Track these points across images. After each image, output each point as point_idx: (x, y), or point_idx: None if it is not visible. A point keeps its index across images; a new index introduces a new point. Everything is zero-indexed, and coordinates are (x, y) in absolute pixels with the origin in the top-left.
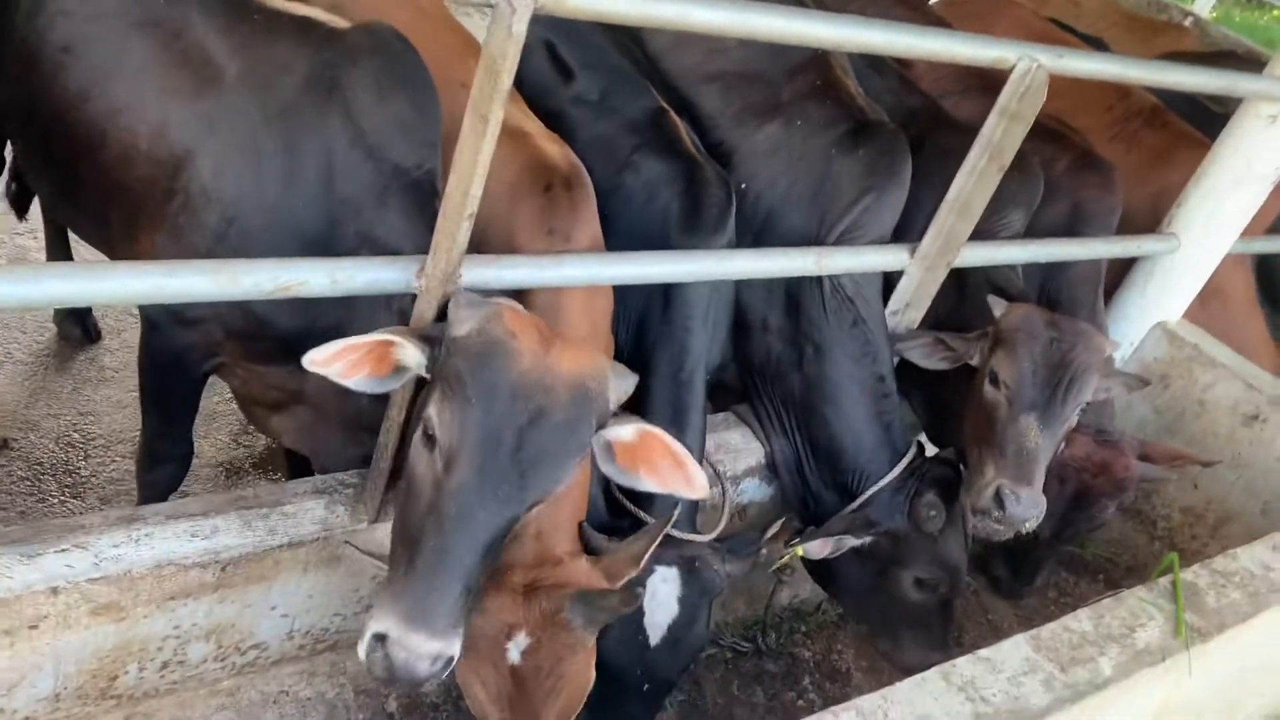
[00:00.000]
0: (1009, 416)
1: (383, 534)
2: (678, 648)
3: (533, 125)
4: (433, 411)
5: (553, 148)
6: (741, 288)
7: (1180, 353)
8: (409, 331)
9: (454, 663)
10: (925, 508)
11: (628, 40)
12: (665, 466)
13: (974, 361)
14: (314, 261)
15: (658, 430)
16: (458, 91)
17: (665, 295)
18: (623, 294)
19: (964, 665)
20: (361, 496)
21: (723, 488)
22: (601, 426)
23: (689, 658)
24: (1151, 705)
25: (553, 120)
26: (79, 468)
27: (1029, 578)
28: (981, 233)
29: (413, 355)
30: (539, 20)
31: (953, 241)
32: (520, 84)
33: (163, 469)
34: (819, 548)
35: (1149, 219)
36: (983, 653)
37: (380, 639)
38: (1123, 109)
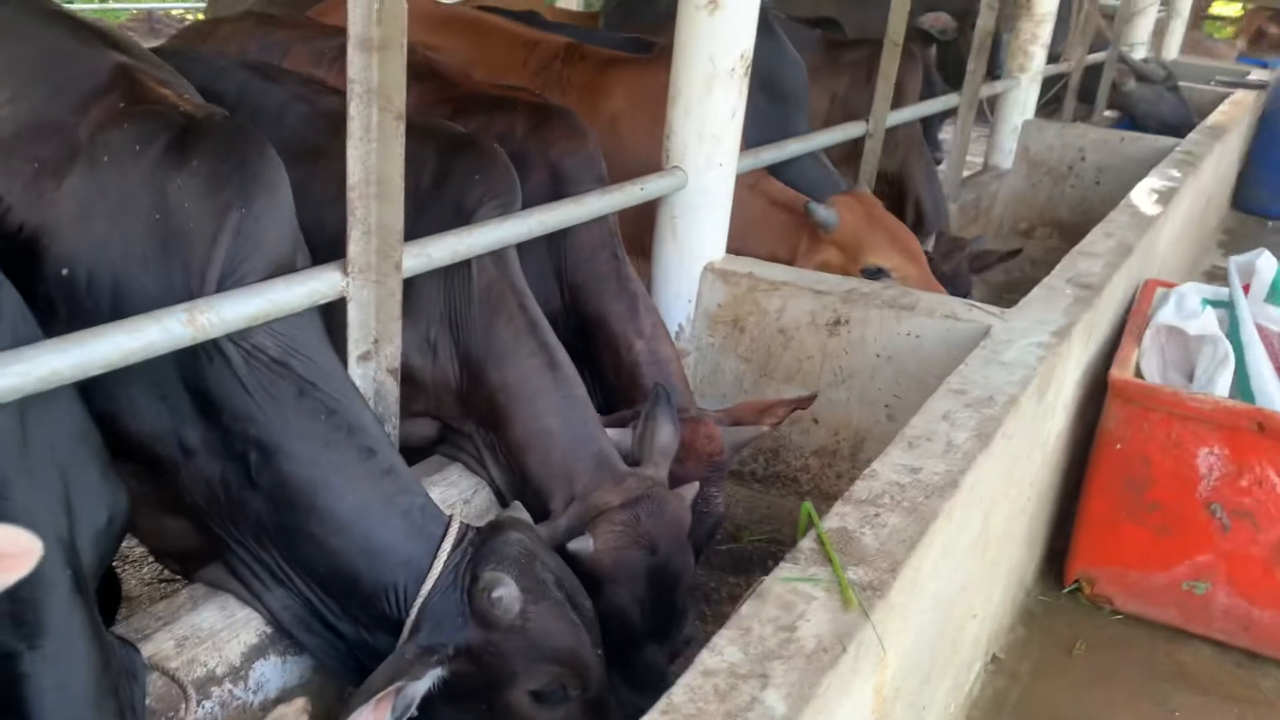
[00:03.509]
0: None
1: None
2: None
3: None
4: None
5: None
6: (118, 414)
7: (739, 289)
8: None
9: None
10: (485, 592)
11: None
12: None
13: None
14: None
15: None
16: None
17: None
18: None
19: None
20: None
21: (186, 699)
22: None
23: None
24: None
25: None
26: None
27: (678, 628)
28: None
29: None
30: None
31: (389, 237)
32: None
33: None
34: None
35: (614, 153)
36: None
37: None
38: (536, 58)
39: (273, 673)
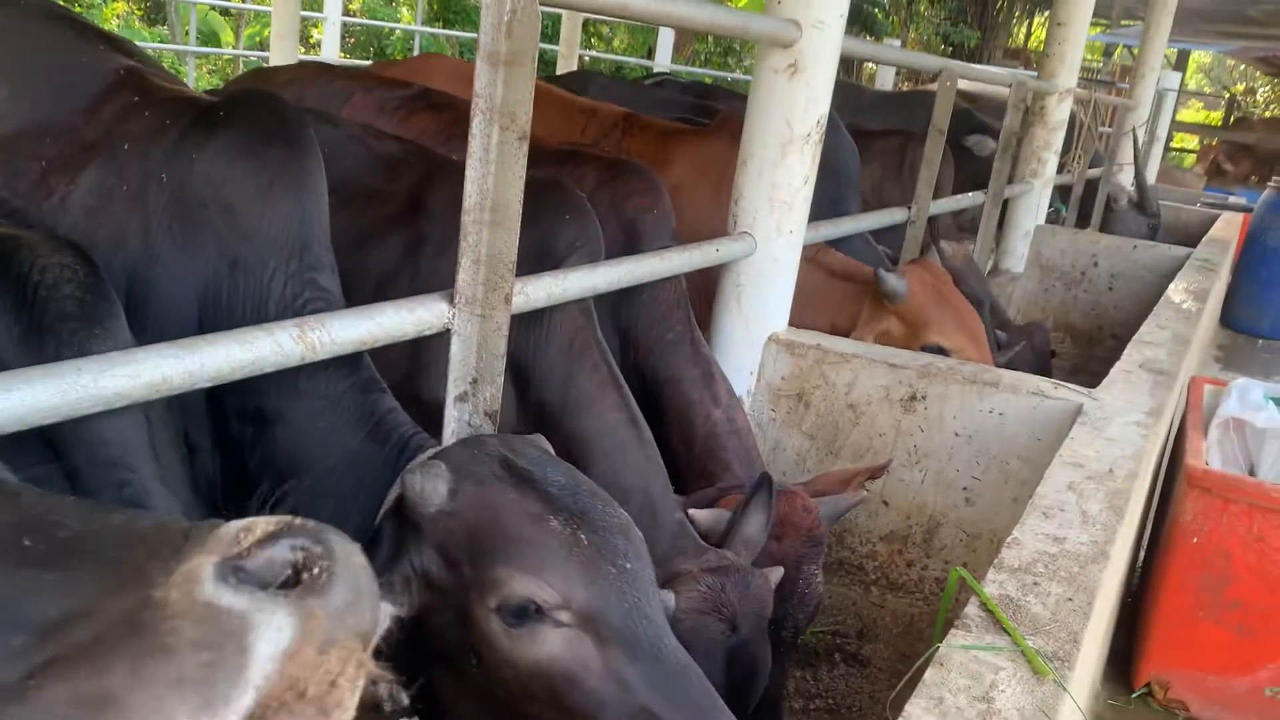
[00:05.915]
0: None
1: None
2: None
3: None
4: None
5: None
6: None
7: (805, 361)
8: None
9: None
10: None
11: None
12: None
13: None
14: None
15: None
16: None
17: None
18: None
19: None
20: None
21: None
22: None
23: None
24: None
25: None
26: None
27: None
28: None
29: None
30: None
31: (499, 267)
32: None
33: None
34: None
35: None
36: None
37: None
38: (595, 126)
39: None
